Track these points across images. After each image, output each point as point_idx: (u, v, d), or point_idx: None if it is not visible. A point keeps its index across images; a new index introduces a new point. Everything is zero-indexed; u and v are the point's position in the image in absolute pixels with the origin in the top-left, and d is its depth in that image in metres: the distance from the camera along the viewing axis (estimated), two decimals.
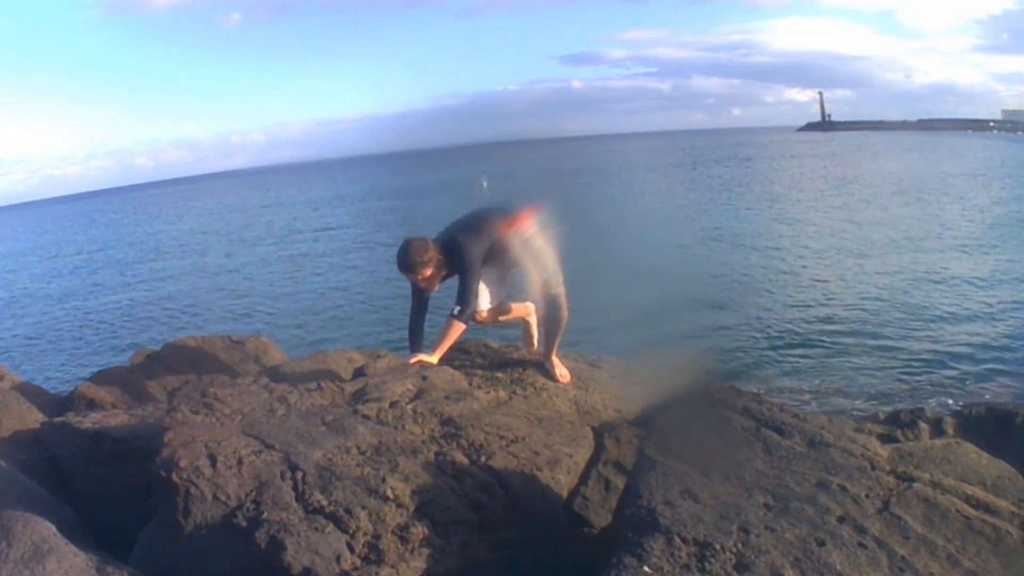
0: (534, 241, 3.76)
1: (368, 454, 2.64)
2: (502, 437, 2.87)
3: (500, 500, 2.54)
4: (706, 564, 1.96)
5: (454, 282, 3.76)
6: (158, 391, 4.94)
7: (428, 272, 3.66)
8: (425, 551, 2.25)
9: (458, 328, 3.67)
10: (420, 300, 3.84)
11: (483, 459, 2.69)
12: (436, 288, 3.79)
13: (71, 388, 5.62)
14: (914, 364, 8.67)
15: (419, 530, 2.30)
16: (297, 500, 2.36)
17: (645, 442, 2.78)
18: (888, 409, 6.73)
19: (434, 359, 3.68)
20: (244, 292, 16.76)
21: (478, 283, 3.67)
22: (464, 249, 3.66)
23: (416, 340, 3.85)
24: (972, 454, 2.60)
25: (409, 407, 3.04)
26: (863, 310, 11.18)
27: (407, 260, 3.66)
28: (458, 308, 3.61)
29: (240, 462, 2.52)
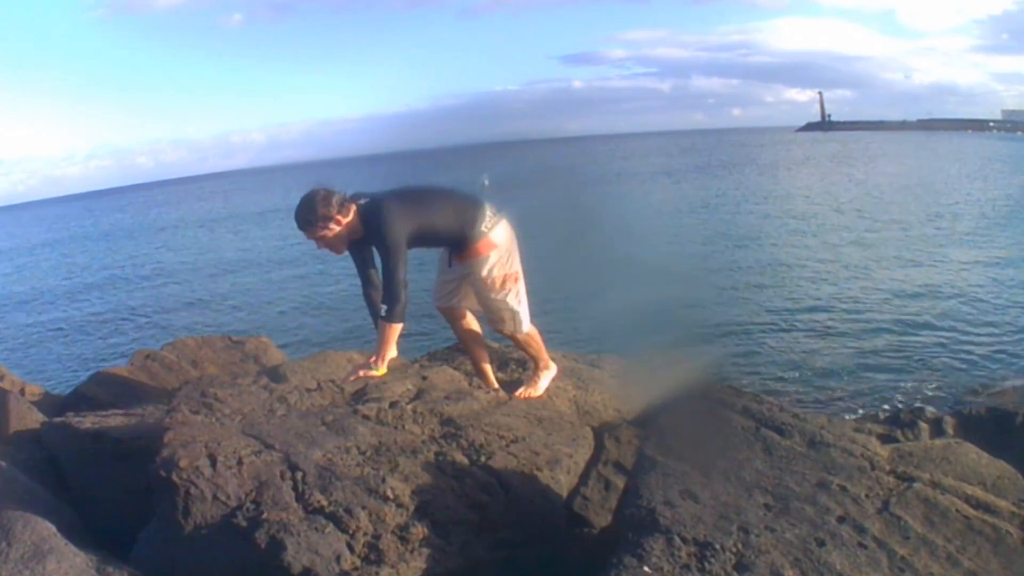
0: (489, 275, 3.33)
1: (368, 454, 2.64)
2: (502, 437, 2.86)
3: (500, 500, 2.54)
4: (706, 564, 1.96)
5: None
6: (158, 391, 4.94)
7: (325, 232, 3.09)
8: (425, 551, 2.25)
9: (394, 329, 3.16)
10: (362, 269, 3.32)
11: (483, 459, 2.69)
12: (340, 252, 3.25)
13: (71, 388, 5.63)
14: (914, 364, 8.67)
15: (419, 530, 2.30)
16: (297, 500, 2.36)
17: (645, 442, 2.78)
18: (888, 409, 6.74)
19: (381, 371, 3.27)
20: (244, 292, 16.77)
21: (403, 267, 3.07)
22: (386, 221, 3.04)
23: (376, 316, 3.33)
24: (972, 454, 2.59)
25: (409, 407, 3.04)
26: (864, 310, 11.18)
27: (300, 213, 3.09)
28: (384, 308, 3.09)
29: (240, 462, 2.51)
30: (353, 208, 3.16)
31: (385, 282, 3.10)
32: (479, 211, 3.31)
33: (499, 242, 3.36)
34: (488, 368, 3.72)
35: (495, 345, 4.35)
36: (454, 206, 3.29)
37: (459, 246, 3.33)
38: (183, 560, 2.34)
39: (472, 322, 3.63)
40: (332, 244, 3.19)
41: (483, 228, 3.30)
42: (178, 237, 32.76)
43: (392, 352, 3.32)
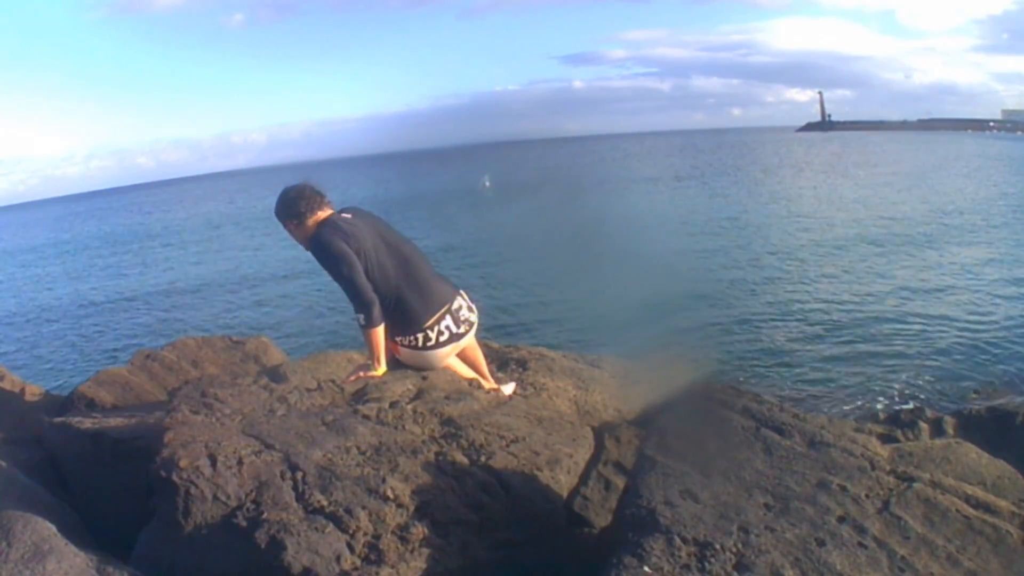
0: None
1: (368, 454, 2.64)
2: (502, 437, 2.86)
3: (500, 500, 2.54)
4: (706, 564, 1.96)
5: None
6: (158, 391, 4.94)
7: (286, 226, 3.21)
8: (425, 551, 2.25)
9: (377, 332, 3.16)
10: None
11: (483, 459, 2.69)
12: (307, 248, 3.25)
13: (71, 388, 5.63)
14: (914, 364, 8.68)
15: (419, 530, 2.30)
16: (297, 500, 2.35)
17: (645, 442, 2.78)
18: (888, 409, 6.74)
19: (380, 371, 3.28)
20: (244, 292, 16.77)
21: (360, 273, 3.02)
22: (321, 239, 3.04)
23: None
24: (972, 454, 2.59)
25: (409, 407, 3.04)
26: (864, 310, 11.19)
27: (278, 203, 3.18)
28: (361, 317, 3.10)
29: (240, 462, 2.51)
30: (316, 218, 3.14)
31: (349, 294, 3.08)
32: (425, 315, 3.16)
33: (409, 357, 3.27)
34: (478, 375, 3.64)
35: (495, 345, 4.35)
36: (410, 286, 3.14)
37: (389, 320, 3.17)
38: (183, 560, 2.34)
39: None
40: (296, 239, 3.28)
41: (409, 338, 3.19)
42: (178, 238, 32.76)
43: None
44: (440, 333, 3.20)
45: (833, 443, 2.56)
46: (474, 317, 3.34)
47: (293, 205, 3.15)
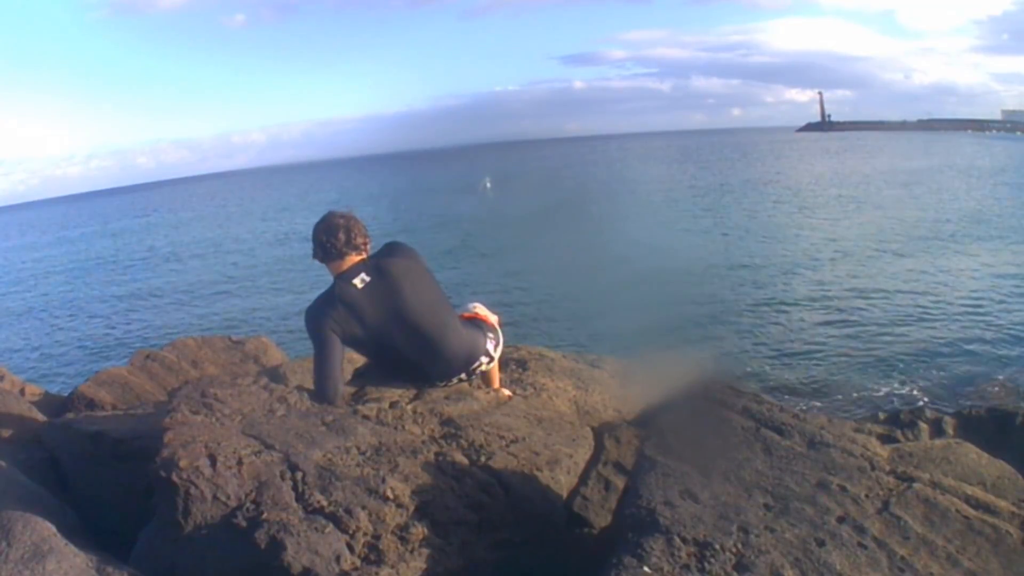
0: None
1: (368, 454, 2.64)
2: (502, 437, 2.86)
3: (500, 500, 2.54)
4: (706, 564, 1.96)
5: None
6: (158, 391, 4.94)
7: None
8: (425, 551, 2.25)
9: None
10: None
11: (483, 459, 2.69)
12: None
13: (71, 388, 5.63)
14: (914, 364, 8.68)
15: (419, 530, 2.30)
16: (297, 500, 2.35)
17: (645, 442, 2.78)
18: (888, 409, 6.74)
19: None
20: (244, 292, 16.78)
21: (326, 366, 2.98)
22: (307, 319, 2.99)
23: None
24: (972, 454, 2.59)
25: (409, 407, 3.04)
26: (863, 310, 11.19)
27: (320, 235, 3.00)
28: (314, 396, 3.04)
29: (240, 462, 2.51)
30: (336, 267, 3.05)
31: (313, 375, 3.06)
32: (444, 379, 3.19)
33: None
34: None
35: None
36: (432, 362, 3.11)
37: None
38: (183, 560, 2.34)
39: None
40: None
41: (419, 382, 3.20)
42: (178, 238, 32.77)
43: None
44: (450, 382, 3.26)
45: (833, 443, 2.56)
46: (488, 366, 3.36)
47: (315, 247, 3.06)
